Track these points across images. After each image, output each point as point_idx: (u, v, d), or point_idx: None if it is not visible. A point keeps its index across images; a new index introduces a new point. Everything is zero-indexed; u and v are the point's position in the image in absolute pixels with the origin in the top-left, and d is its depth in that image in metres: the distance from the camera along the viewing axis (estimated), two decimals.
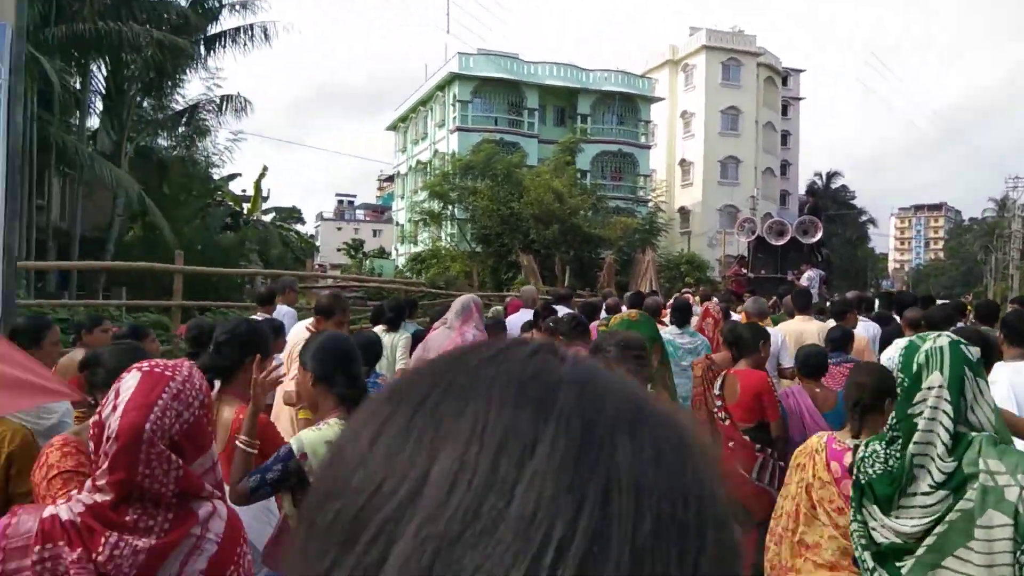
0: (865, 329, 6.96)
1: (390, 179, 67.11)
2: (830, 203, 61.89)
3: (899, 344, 6.24)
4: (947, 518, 1.91)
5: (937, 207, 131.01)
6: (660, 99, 47.89)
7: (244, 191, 30.35)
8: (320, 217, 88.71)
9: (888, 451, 2.03)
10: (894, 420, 2.07)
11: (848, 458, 2.52)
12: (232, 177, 27.63)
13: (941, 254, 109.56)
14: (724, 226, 46.59)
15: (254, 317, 6.09)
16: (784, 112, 59.48)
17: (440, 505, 0.35)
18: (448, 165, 32.64)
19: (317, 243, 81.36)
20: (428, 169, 40.25)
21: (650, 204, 40.31)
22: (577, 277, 26.52)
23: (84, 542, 1.51)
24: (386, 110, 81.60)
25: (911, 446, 1.97)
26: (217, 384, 2.90)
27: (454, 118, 41.52)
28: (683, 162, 52.55)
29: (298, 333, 5.29)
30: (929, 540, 1.94)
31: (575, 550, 0.33)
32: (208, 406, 1.73)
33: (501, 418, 0.38)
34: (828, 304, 9.42)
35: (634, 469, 0.37)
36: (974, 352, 2.03)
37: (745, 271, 16.09)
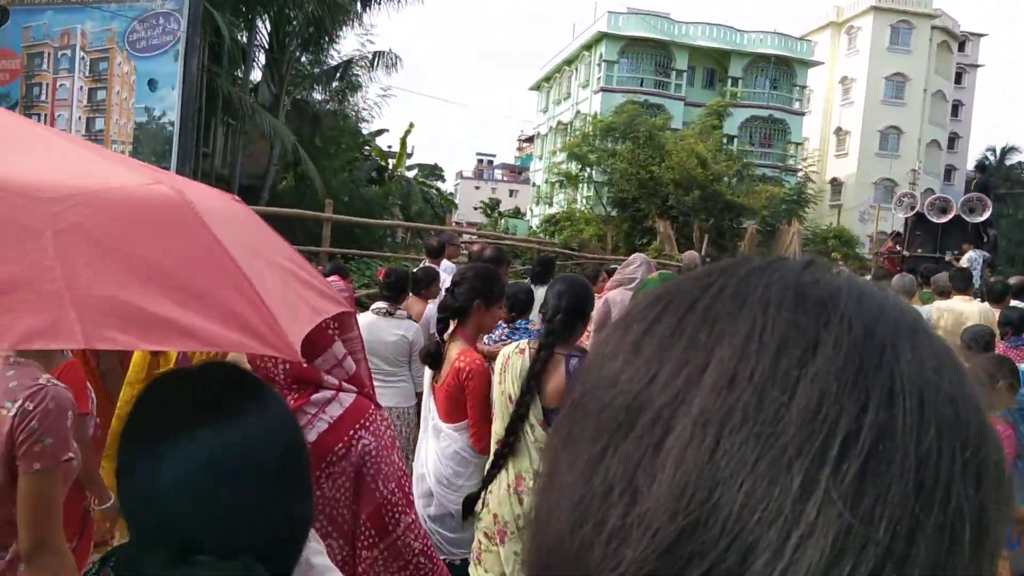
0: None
1: (530, 140, 67.36)
2: (1002, 181, 56.85)
3: None
4: None
5: None
6: (819, 63, 45.27)
7: (390, 147, 31.26)
8: (460, 175, 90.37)
9: None
10: None
11: None
12: (379, 132, 28.49)
13: None
14: (879, 200, 43.81)
15: (423, 266, 6.69)
16: (958, 80, 54.86)
17: (721, 394, 0.35)
18: (589, 126, 32.27)
19: (456, 200, 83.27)
20: (569, 130, 40.03)
21: (799, 174, 38.41)
22: (715, 245, 25.78)
23: None
24: (532, 69, 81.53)
25: None
26: (452, 324, 3.22)
27: (599, 78, 40.96)
28: (839, 131, 49.67)
29: None
30: None
31: (860, 446, 0.33)
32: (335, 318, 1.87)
33: (780, 319, 0.38)
34: (986, 288, 8.82)
35: (918, 374, 0.36)
36: None
37: (900, 248, 15.15)
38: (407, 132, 28.49)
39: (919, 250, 14.37)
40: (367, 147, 26.89)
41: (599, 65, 41.10)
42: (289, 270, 1.49)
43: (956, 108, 55.31)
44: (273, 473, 1.05)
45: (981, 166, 61.63)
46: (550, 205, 39.12)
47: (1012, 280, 10.60)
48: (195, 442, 1.00)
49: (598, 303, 6.39)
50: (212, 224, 1.20)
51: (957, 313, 6.38)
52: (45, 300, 1.04)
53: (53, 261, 1.07)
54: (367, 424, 1.88)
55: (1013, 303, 7.47)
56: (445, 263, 7.30)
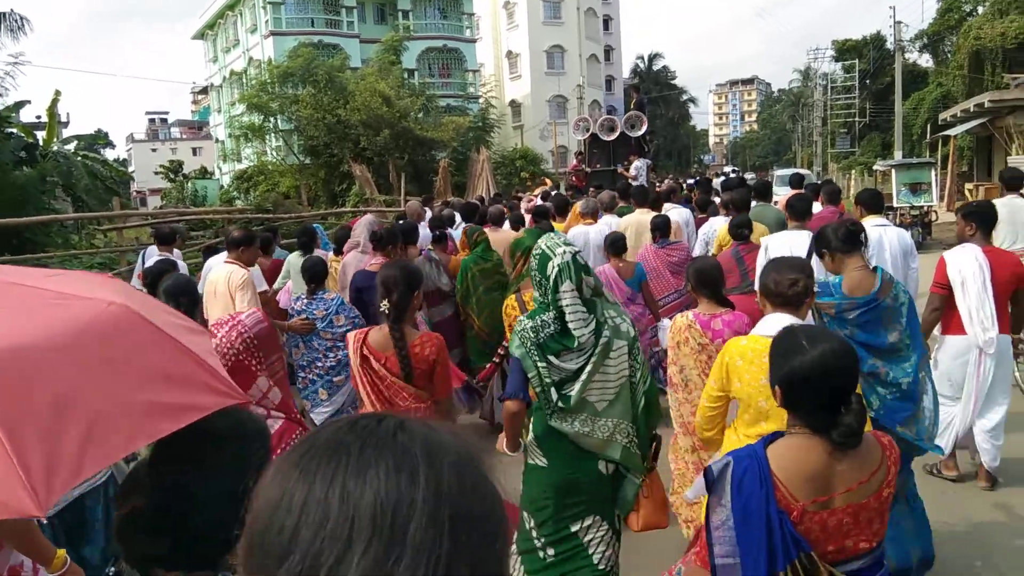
0: (679, 215, 8.28)
1: (204, 91, 62.53)
2: (652, 85, 63.84)
3: (713, 223, 7.43)
4: (596, 351, 3.01)
5: (750, 81, 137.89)
6: None
7: (39, 117, 27.32)
8: (131, 139, 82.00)
9: (553, 320, 3.03)
10: (548, 302, 3.06)
11: (716, 324, 3.87)
12: (20, 105, 24.75)
13: (755, 126, 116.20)
14: (554, 117, 47.12)
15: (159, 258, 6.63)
16: None
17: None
18: (264, 74, 30.71)
19: (131, 168, 75.33)
20: (244, 79, 37.78)
21: (481, 100, 39.97)
22: (413, 183, 26.20)
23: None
24: (191, 17, 74.94)
25: (569, 321, 3.00)
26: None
27: (267, 22, 38.89)
28: (510, 54, 52.18)
29: (221, 269, 5.69)
30: (588, 366, 3.00)
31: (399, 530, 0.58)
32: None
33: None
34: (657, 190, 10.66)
35: (445, 487, 0.62)
36: (581, 258, 3.08)
37: (583, 165, 17.10)
38: (54, 101, 24.98)
39: (597, 165, 16.32)
40: (9, 123, 23.29)
41: (264, 8, 38.96)
42: (181, 324, 1.79)
43: (607, 23, 60.45)
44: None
45: (635, 72, 68.62)
46: (239, 161, 36.99)
47: (665, 184, 12.25)
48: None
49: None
50: (154, 320, 1.58)
51: (637, 223, 7.65)
52: (118, 420, 1.46)
53: (102, 394, 1.48)
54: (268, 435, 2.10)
55: (667, 207, 8.73)
56: (178, 252, 7.52)
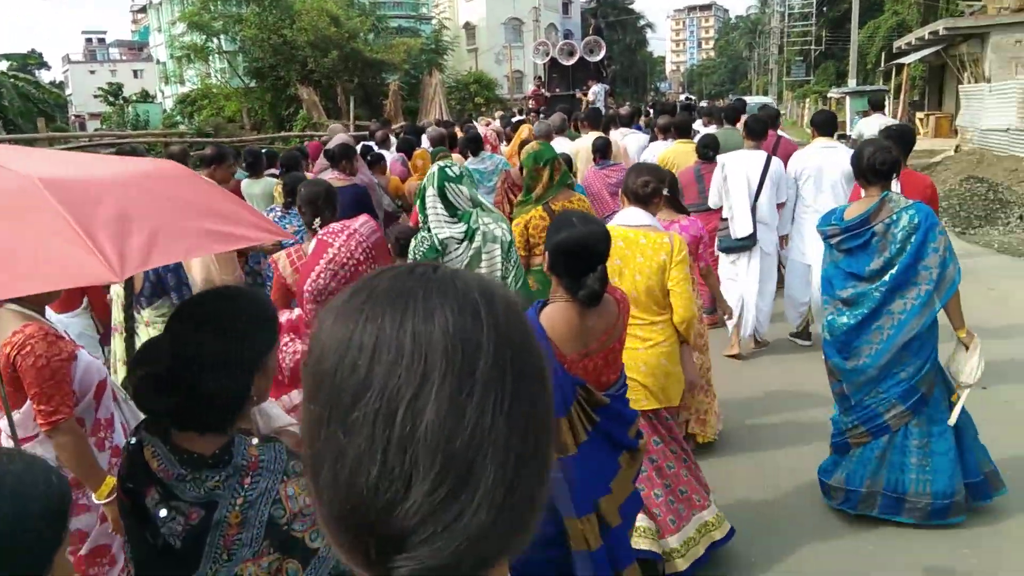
0: (636, 139, 8.57)
1: (144, 10, 59.58)
2: (610, 9, 62.63)
3: (653, 148, 7.27)
4: (469, 254, 3.33)
5: (707, 7, 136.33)
6: None
7: None
8: (67, 60, 78.32)
9: (430, 235, 3.43)
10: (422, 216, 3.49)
11: (674, 229, 4.13)
12: None
13: (712, 53, 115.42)
14: (510, 41, 46.06)
15: None
16: None
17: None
18: None
19: (68, 92, 72.02)
20: None
21: (434, 22, 38.77)
22: (363, 106, 25.46)
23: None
24: None
25: (433, 229, 3.40)
26: None
27: None
28: None
29: None
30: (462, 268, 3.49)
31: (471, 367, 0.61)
32: None
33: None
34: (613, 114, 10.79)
35: (501, 321, 0.65)
36: (453, 170, 3.48)
37: (543, 90, 17.20)
38: None
39: (557, 89, 16.61)
40: None
41: None
42: (183, 212, 1.98)
43: None
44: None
45: None
46: (182, 83, 35.47)
47: (623, 110, 12.14)
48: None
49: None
50: (59, 196, 1.63)
51: (587, 147, 7.48)
52: (181, 232, 1.81)
53: (168, 212, 1.84)
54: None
55: (623, 131, 8.75)
56: None
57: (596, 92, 14.68)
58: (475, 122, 14.33)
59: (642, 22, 73.95)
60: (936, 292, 3.53)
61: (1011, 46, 19.64)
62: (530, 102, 17.77)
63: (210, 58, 30.47)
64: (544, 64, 17.42)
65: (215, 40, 28.66)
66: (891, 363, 3.58)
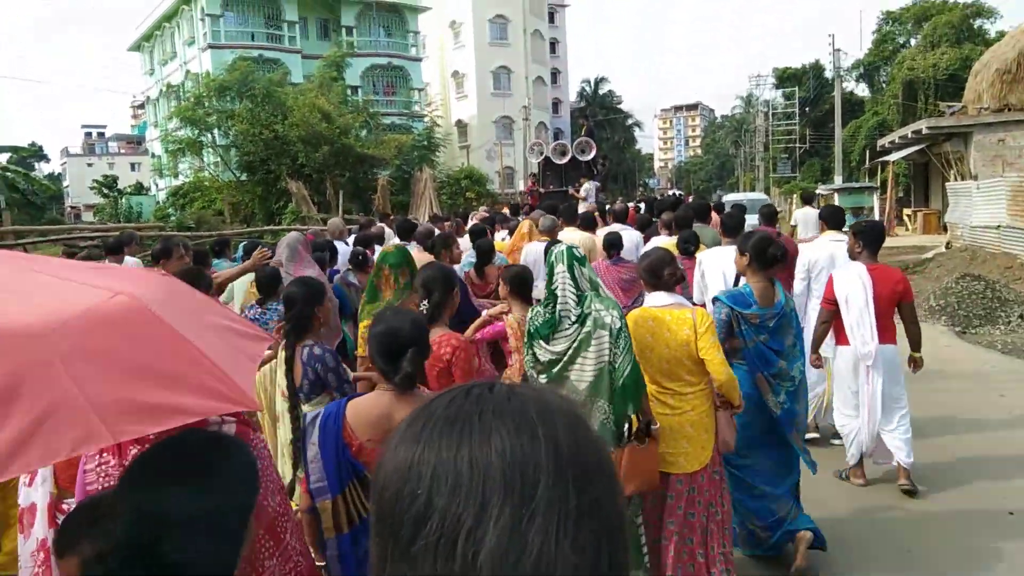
0: (629, 236, 8.31)
1: (144, 105, 60.80)
2: (598, 109, 64.32)
3: (655, 241, 7.18)
4: (579, 337, 3.44)
5: (694, 107, 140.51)
6: (427, 8, 46.51)
7: None
8: (66, 153, 79.55)
9: (546, 310, 3.52)
10: (549, 291, 3.52)
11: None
12: None
13: (699, 151, 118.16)
14: (500, 138, 46.92)
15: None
16: (551, 19, 60.16)
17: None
18: (201, 87, 29.73)
19: (65, 183, 72.81)
20: (180, 92, 36.66)
21: (426, 119, 39.49)
22: (353, 200, 25.52)
23: (120, 452, 2.04)
24: (129, 28, 73.11)
25: (558, 305, 3.48)
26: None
27: (204, 34, 37.87)
28: (456, 74, 51.94)
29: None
30: (570, 350, 3.44)
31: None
32: None
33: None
34: (607, 208, 11.27)
35: (569, 444, 0.63)
36: (579, 252, 3.60)
37: (537, 186, 17.98)
38: None
39: (551, 186, 17.32)
40: None
41: (202, 20, 37.93)
42: (221, 325, 1.73)
43: (553, 45, 60.78)
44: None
45: (581, 96, 69.08)
46: (175, 176, 35.74)
47: (618, 206, 12.11)
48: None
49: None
50: (164, 315, 1.48)
51: (567, 240, 7.17)
52: (77, 415, 1.31)
53: (69, 383, 1.33)
54: (251, 447, 1.96)
55: (616, 227, 8.57)
56: (130, 259, 7.56)
57: (588, 189, 15.18)
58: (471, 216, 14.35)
59: (630, 121, 75.89)
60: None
61: (993, 144, 19.91)
62: (528, 197, 18.38)
63: (203, 152, 30.78)
64: (539, 163, 18.04)
65: (208, 135, 29.00)
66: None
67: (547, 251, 3.80)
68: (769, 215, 8.30)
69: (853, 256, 5.28)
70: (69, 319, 1.42)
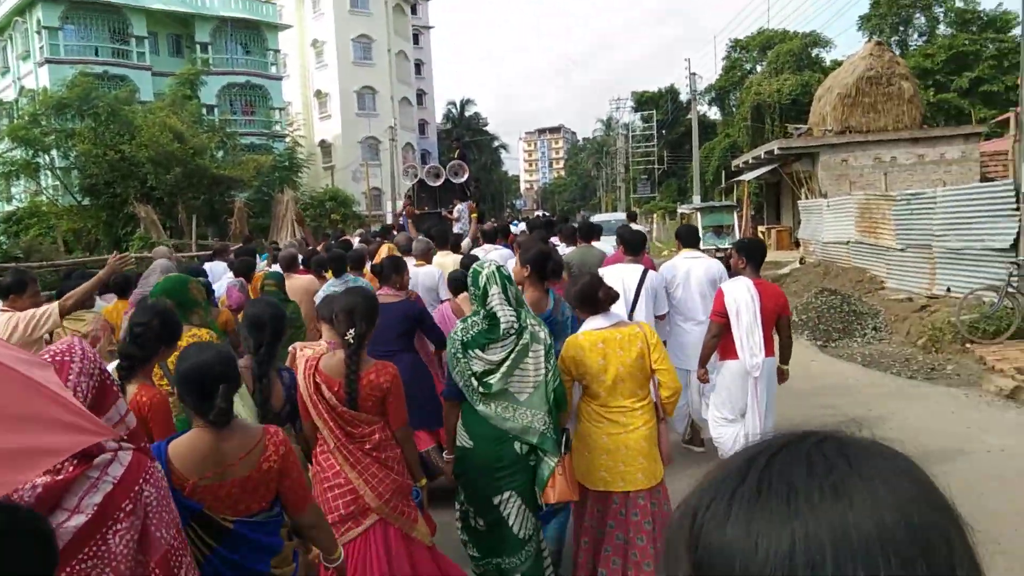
0: (499, 255, 8.46)
1: None
2: (465, 130, 64.52)
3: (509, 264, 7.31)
4: (516, 348, 3.59)
5: (557, 129, 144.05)
6: (288, 26, 45.19)
7: None
8: None
9: (483, 321, 3.63)
10: (482, 308, 3.67)
11: None
12: None
13: (563, 172, 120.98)
14: (366, 158, 46.06)
15: None
16: (416, 41, 59.96)
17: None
18: (36, 104, 27.36)
19: None
20: (14, 110, 33.70)
21: (287, 139, 38.16)
22: (208, 224, 24.13)
23: None
24: None
25: (498, 313, 3.59)
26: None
27: (41, 48, 35.09)
28: (319, 93, 50.68)
29: None
30: (508, 360, 3.57)
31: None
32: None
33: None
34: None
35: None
36: (506, 270, 3.77)
37: (413, 208, 17.85)
38: None
39: (426, 207, 17.60)
40: None
41: (39, 33, 35.14)
42: (23, 359, 1.55)
43: (419, 67, 60.59)
44: None
45: (448, 118, 69.14)
46: (8, 201, 32.72)
47: (487, 226, 11.93)
48: None
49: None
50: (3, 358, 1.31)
51: (440, 264, 7.82)
52: None
53: None
54: (148, 478, 2.12)
55: (489, 248, 8.51)
56: None
57: (460, 210, 15.65)
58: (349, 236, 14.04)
59: (496, 143, 76.67)
60: None
61: (838, 164, 21.21)
62: (404, 219, 18.67)
63: (41, 174, 28.33)
64: (413, 184, 18.45)
65: (46, 156, 26.72)
66: None
67: (469, 270, 3.88)
68: (620, 236, 8.41)
69: (736, 272, 5.40)
70: None
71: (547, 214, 42.27)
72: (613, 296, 3.97)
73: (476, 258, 7.00)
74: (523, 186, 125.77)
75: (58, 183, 28.01)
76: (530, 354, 3.62)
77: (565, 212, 73.06)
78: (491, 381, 3.56)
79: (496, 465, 3.64)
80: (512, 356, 3.58)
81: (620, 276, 5.92)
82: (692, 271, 6.18)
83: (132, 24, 37.04)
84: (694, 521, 0.59)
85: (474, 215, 13.98)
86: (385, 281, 5.67)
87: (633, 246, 6.38)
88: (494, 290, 3.63)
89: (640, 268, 6.09)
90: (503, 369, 3.56)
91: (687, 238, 6.64)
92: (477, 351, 3.58)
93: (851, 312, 11.12)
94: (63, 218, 26.23)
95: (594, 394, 3.83)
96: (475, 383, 3.59)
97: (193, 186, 24.34)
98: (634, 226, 12.51)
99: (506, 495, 3.66)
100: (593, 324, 3.90)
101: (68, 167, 26.78)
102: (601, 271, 5.98)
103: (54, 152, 26.55)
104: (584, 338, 3.84)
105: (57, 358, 1.93)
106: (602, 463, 3.78)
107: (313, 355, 3.68)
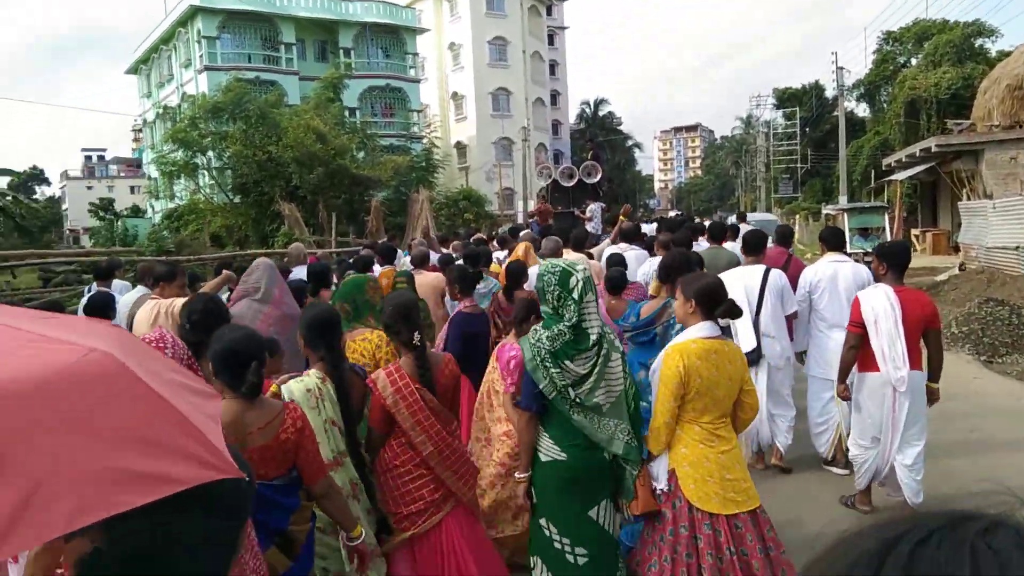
0: (635, 255, 8.44)
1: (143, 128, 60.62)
2: (598, 130, 64.01)
3: (652, 262, 7.54)
4: (599, 360, 3.47)
5: (693, 128, 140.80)
6: (426, 30, 46.36)
7: None
8: (66, 176, 79.52)
9: (571, 333, 3.44)
10: (563, 313, 3.45)
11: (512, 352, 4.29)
12: None
13: (699, 171, 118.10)
14: (500, 159, 46.53)
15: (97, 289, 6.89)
16: (551, 42, 60.08)
17: None
18: (196, 108, 29.30)
19: (65, 207, 72.52)
20: (177, 114, 36.31)
21: (424, 140, 39.09)
22: (350, 222, 24.98)
23: None
24: (128, 52, 73.17)
25: (589, 325, 3.45)
26: None
27: (201, 56, 37.62)
28: (455, 95, 51.69)
29: (139, 302, 5.79)
30: (595, 371, 3.45)
31: None
32: None
33: None
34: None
35: None
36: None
37: (548, 206, 18.50)
38: None
39: (559, 208, 17.74)
40: None
41: (199, 43, 37.68)
42: (181, 384, 1.56)
43: (553, 67, 60.67)
44: None
45: (581, 118, 68.87)
46: (171, 199, 35.28)
47: (626, 226, 11.70)
48: None
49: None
50: (141, 374, 1.33)
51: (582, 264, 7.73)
52: (66, 488, 1.15)
53: (52, 453, 1.18)
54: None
55: (624, 247, 8.82)
56: (117, 283, 7.61)
57: (593, 210, 15.90)
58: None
59: (630, 142, 75.63)
60: None
61: (1006, 162, 19.39)
62: (536, 219, 18.76)
63: (198, 174, 30.32)
64: (547, 185, 18.77)
65: (202, 156, 28.55)
66: None
67: (554, 268, 3.59)
68: (784, 235, 8.13)
69: (877, 278, 5.13)
70: (42, 381, 1.24)
71: (681, 213, 41.29)
72: (734, 311, 3.70)
73: (621, 256, 7.25)
74: (657, 185, 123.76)
75: (213, 182, 29.86)
76: (611, 364, 3.50)
77: (701, 212, 71.31)
78: (584, 394, 3.44)
79: (592, 473, 3.53)
80: (598, 367, 3.46)
81: (740, 277, 5.85)
82: (839, 275, 5.89)
83: (282, 32, 39.07)
84: None
85: (622, 217, 13.57)
86: (515, 286, 5.94)
87: (752, 246, 6.25)
88: (589, 297, 3.47)
89: (762, 268, 6.00)
90: (591, 380, 3.44)
91: (832, 240, 6.31)
92: (566, 362, 3.42)
93: (1021, 325, 10.03)
94: (217, 215, 27.93)
95: (698, 409, 3.55)
96: (571, 393, 3.44)
97: (334, 185, 25.29)
98: (768, 221, 12.00)
99: (602, 503, 3.57)
100: (700, 332, 3.63)
101: (222, 167, 28.48)
102: (722, 276, 5.93)
103: (210, 153, 28.28)
104: (699, 346, 3.56)
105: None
106: (729, 483, 3.52)
107: (394, 364, 3.62)
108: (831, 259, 6.07)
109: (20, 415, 1.24)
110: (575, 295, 3.43)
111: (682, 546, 3.50)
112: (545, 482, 3.55)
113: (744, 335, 5.79)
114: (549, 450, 3.54)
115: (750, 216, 20.44)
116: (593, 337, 3.43)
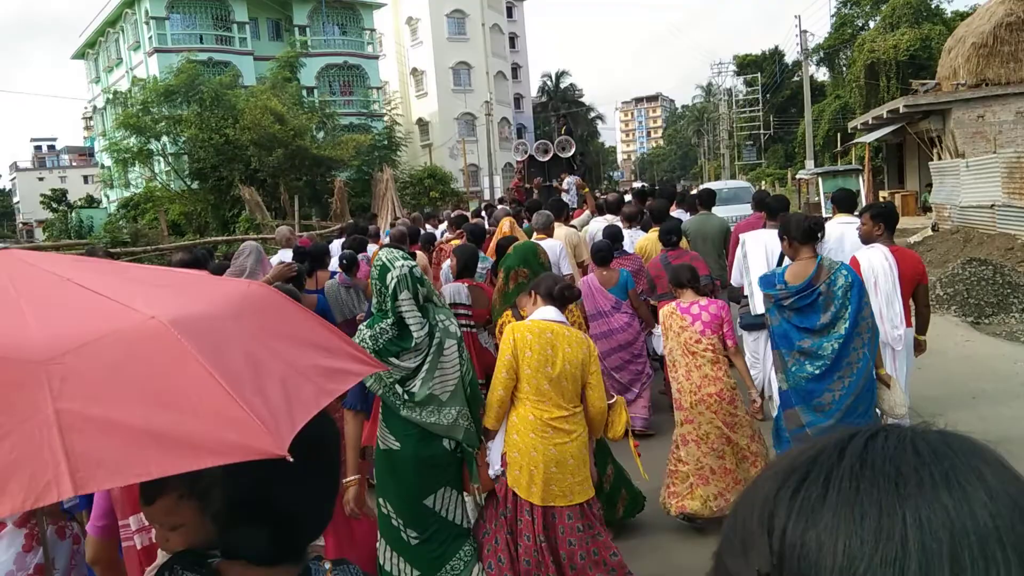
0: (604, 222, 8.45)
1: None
2: (560, 103, 63.48)
3: (631, 235, 7.88)
4: (431, 350, 3.43)
5: (654, 98, 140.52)
6: (383, 4, 45.29)
7: None
8: (15, 168, 77.08)
9: (394, 330, 3.44)
10: (387, 309, 3.43)
11: (693, 309, 4.76)
12: None
13: (661, 142, 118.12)
14: (463, 134, 45.86)
15: None
16: (509, 14, 59.17)
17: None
18: (147, 92, 28.24)
19: (16, 199, 70.31)
20: (128, 100, 35.08)
21: (385, 118, 38.30)
22: (313, 204, 24.34)
23: None
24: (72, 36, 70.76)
25: (409, 324, 3.41)
26: None
27: (150, 38, 36.33)
28: (415, 71, 50.74)
29: None
30: (425, 364, 3.41)
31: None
32: None
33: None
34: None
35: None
36: (417, 271, 3.47)
37: (522, 182, 19.03)
38: None
39: (540, 180, 17.94)
40: None
41: (147, 24, 36.35)
42: (293, 351, 1.56)
43: (513, 40, 59.78)
44: None
45: (543, 91, 68.20)
46: (126, 188, 34.14)
47: (610, 197, 11.64)
48: None
49: None
50: (195, 343, 1.32)
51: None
52: (45, 458, 1.15)
53: (51, 419, 1.18)
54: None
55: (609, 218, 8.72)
56: None
57: (569, 183, 16.01)
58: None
59: (592, 114, 75.15)
60: (872, 339, 4.18)
61: (973, 120, 19.38)
62: (513, 193, 19.30)
63: (153, 160, 29.34)
64: (523, 161, 19.08)
65: (157, 142, 27.59)
66: (851, 407, 4.11)
67: (377, 261, 3.55)
68: (761, 201, 8.02)
69: (872, 239, 5.13)
70: (77, 344, 1.29)
71: (645, 185, 41.13)
72: (576, 293, 3.99)
73: (618, 228, 7.32)
74: (620, 157, 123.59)
75: (169, 168, 28.93)
76: (444, 353, 3.47)
77: (664, 182, 71.31)
78: (414, 389, 3.40)
79: (430, 464, 3.52)
80: (429, 360, 3.42)
81: (763, 242, 5.90)
82: (845, 236, 5.94)
83: (234, 10, 37.84)
84: (775, 508, 0.54)
85: (585, 190, 13.91)
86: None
87: (775, 211, 6.29)
88: (404, 295, 3.39)
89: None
90: (422, 375, 3.40)
91: (842, 203, 6.45)
92: (392, 359, 3.37)
93: (1005, 284, 9.91)
94: (174, 202, 27.08)
95: (535, 390, 3.65)
96: (400, 390, 3.41)
97: (295, 167, 24.62)
98: (742, 188, 12.15)
99: (441, 492, 3.57)
100: (543, 314, 3.79)
101: (178, 152, 27.60)
102: (744, 236, 6.22)
103: (164, 139, 27.36)
104: (532, 325, 3.73)
105: None
106: (553, 477, 3.67)
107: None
108: (840, 220, 6.13)
109: (242, 331, 1.45)
110: (389, 291, 3.39)
111: (505, 527, 3.72)
112: (382, 468, 3.59)
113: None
114: (385, 439, 3.56)
115: (723, 184, 20.37)
116: (419, 333, 3.38)
